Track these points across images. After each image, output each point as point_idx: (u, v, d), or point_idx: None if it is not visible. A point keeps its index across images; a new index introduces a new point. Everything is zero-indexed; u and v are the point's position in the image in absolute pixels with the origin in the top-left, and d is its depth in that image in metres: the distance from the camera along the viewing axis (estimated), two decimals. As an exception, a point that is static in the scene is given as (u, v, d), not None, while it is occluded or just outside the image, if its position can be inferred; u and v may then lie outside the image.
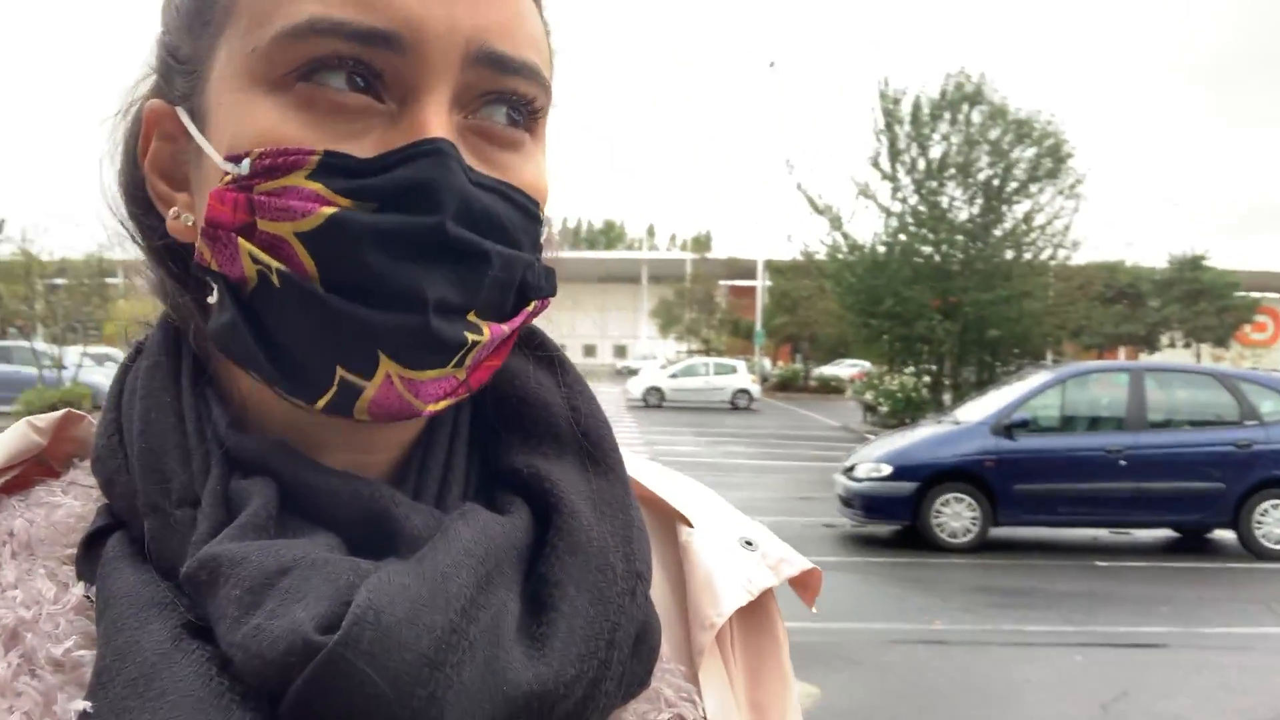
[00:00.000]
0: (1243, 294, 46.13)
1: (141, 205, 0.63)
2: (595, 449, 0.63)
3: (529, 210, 0.57)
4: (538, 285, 0.58)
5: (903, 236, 21.64)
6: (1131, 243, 77.02)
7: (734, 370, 34.50)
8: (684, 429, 24.53)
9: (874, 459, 10.76)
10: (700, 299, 50.78)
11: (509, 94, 0.56)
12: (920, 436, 11.19)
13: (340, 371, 0.52)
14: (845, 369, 44.28)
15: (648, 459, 0.75)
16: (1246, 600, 8.40)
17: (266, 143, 0.52)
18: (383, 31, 0.52)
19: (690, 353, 49.03)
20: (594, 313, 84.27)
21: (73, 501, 0.61)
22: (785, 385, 43.36)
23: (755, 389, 34.34)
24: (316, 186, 0.51)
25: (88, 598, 0.55)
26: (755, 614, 0.70)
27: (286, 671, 0.47)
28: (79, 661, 0.52)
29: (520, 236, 0.56)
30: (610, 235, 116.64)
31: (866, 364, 33.49)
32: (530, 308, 0.58)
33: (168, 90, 0.60)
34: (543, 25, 0.60)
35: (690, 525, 0.69)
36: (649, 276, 72.92)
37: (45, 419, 0.64)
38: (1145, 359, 40.23)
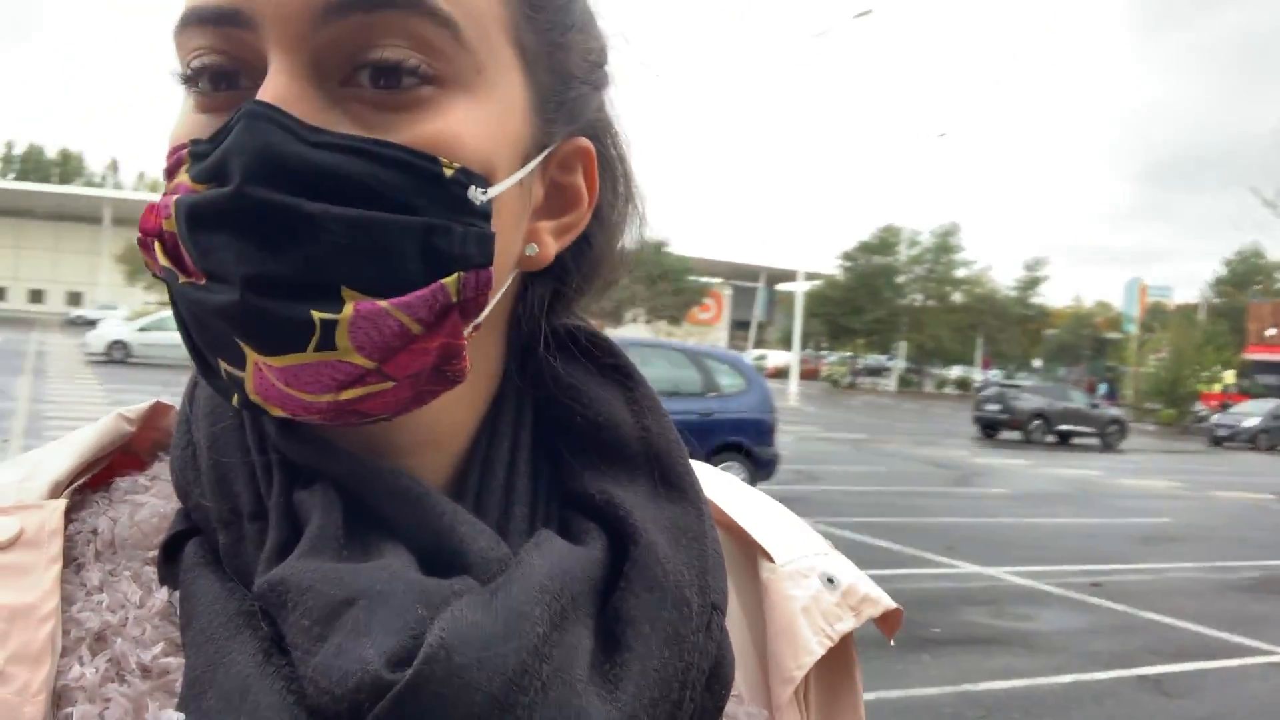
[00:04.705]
0: (694, 278, 51.86)
1: None
2: (669, 472, 0.61)
3: (416, 167, 0.49)
4: (457, 254, 0.50)
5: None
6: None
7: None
8: (158, 388, 22.70)
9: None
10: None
11: (383, 44, 0.50)
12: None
13: (223, 364, 0.51)
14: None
15: (717, 472, 0.72)
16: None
17: (170, 145, 0.53)
18: (227, 9, 0.50)
19: (162, 304, 45.39)
20: (44, 254, 75.10)
21: (155, 500, 0.59)
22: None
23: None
24: (186, 178, 0.50)
25: (171, 603, 0.53)
26: (834, 655, 0.66)
27: (357, 708, 0.45)
28: (166, 668, 0.51)
29: (406, 198, 0.49)
30: (67, 168, 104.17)
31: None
32: (451, 280, 0.50)
33: None
34: None
35: (772, 560, 0.67)
36: (113, 218, 65.96)
37: (135, 410, 0.63)
38: (612, 333, 43.76)
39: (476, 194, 0.52)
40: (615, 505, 0.57)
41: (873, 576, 0.70)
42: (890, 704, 5.67)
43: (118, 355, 30.29)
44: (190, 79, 0.53)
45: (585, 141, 0.60)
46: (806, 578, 0.66)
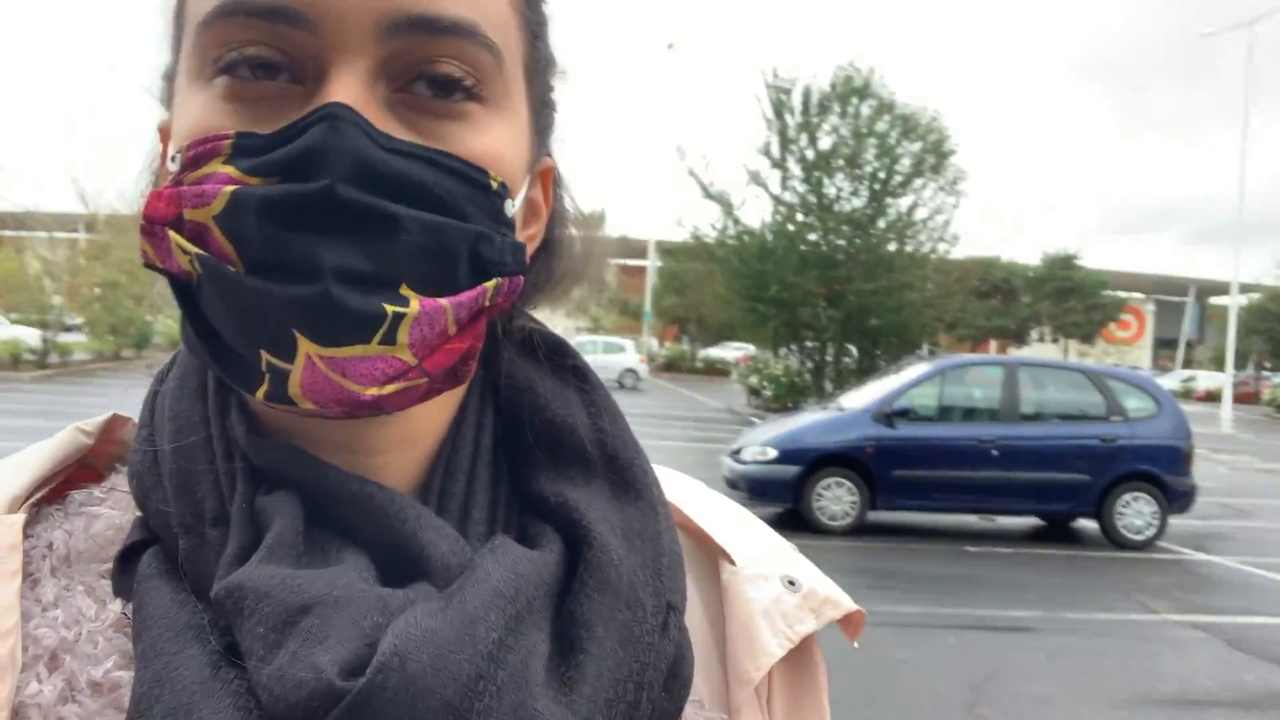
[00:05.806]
0: (1111, 293, 48.20)
1: None
2: (624, 473, 0.61)
3: (472, 179, 0.54)
4: (498, 260, 0.54)
5: (790, 225, 21.94)
6: (1007, 239, 79.65)
7: (622, 349, 34.57)
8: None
9: (760, 443, 10.92)
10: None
11: (441, 61, 0.54)
12: (806, 422, 11.39)
13: (265, 355, 0.51)
14: (730, 352, 44.77)
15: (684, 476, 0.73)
16: (1107, 587, 8.82)
17: (194, 134, 0.53)
18: (284, 8, 0.51)
19: (578, 330, 49.01)
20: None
21: (111, 511, 0.59)
22: (671, 366, 43.68)
23: (642, 369, 34.50)
24: (229, 169, 0.51)
25: (125, 615, 0.54)
26: (796, 656, 0.67)
27: (311, 716, 0.46)
28: (117, 683, 0.52)
29: (462, 205, 0.53)
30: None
31: (751, 348, 33.93)
32: (491, 285, 0.54)
33: (168, 104, 0.61)
34: None
35: (733, 562, 0.67)
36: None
37: (92, 422, 0.64)
38: (1014, 353, 41.69)
39: (509, 206, 0.56)
40: (569, 508, 0.58)
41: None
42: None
43: (629, 383, 32.52)
44: (226, 68, 0.53)
45: (550, 160, 0.66)
46: (767, 580, 0.67)
